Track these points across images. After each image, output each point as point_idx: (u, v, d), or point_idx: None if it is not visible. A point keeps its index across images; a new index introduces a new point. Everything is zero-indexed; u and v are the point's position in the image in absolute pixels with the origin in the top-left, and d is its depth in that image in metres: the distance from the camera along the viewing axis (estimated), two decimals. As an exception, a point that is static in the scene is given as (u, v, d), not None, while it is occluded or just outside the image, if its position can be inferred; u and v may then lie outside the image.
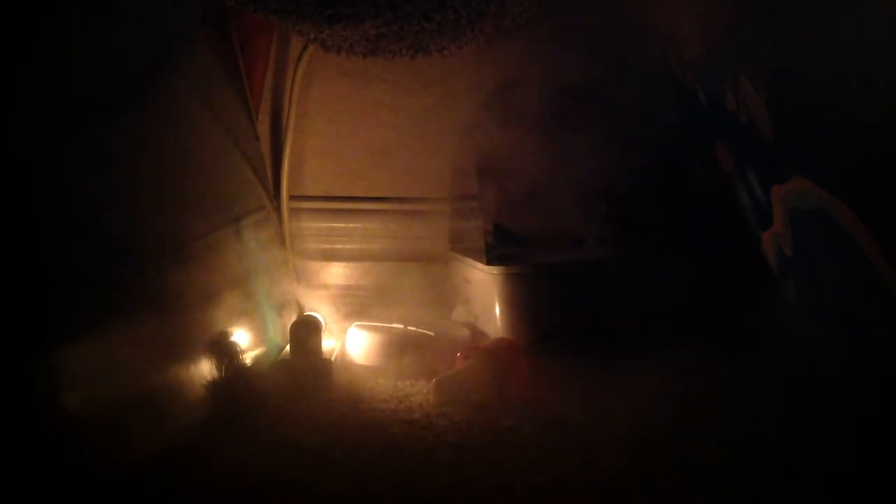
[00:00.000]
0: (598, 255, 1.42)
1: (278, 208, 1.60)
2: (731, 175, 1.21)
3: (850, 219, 0.86)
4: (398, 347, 1.41)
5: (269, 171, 1.59)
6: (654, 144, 1.41)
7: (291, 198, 1.62)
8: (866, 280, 0.87)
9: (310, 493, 0.89)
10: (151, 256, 1.05)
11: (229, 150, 1.40)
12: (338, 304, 1.60)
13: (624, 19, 1.35)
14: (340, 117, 1.63)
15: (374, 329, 1.44)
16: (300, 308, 1.57)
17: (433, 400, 1.21)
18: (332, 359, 1.35)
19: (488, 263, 1.43)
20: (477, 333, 1.47)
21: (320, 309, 1.55)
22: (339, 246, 1.66)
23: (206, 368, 1.16)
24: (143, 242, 1.04)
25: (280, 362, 1.35)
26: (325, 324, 1.45)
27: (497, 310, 1.43)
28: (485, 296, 1.47)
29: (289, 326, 1.37)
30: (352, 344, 1.44)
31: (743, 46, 1.07)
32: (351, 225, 1.67)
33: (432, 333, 1.44)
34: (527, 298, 1.40)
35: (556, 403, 1.18)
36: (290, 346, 1.35)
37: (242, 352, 1.24)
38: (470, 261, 1.53)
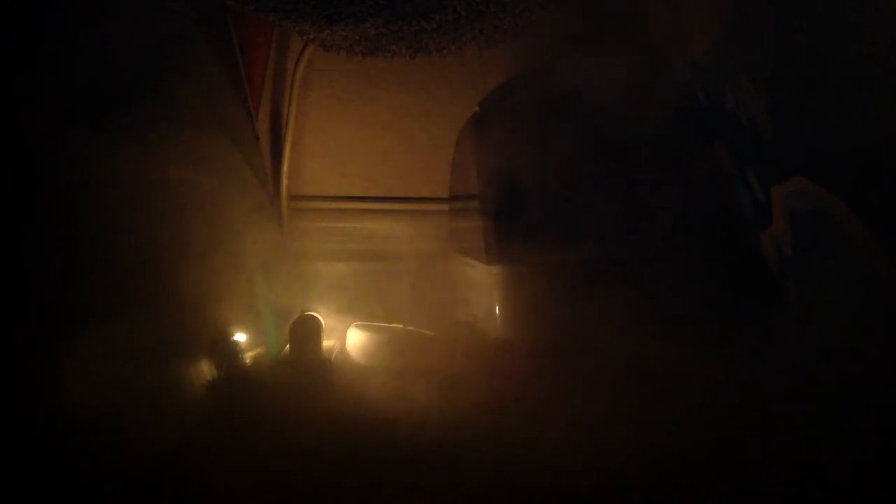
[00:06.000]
0: (598, 255, 1.42)
1: (278, 208, 1.60)
2: (731, 175, 1.21)
3: (850, 219, 0.87)
4: (398, 347, 1.41)
5: (269, 172, 1.59)
6: (654, 144, 1.41)
7: (291, 198, 1.62)
8: (866, 280, 0.87)
9: (309, 493, 0.89)
10: (151, 256, 1.05)
11: (229, 150, 1.40)
12: (338, 303, 1.59)
13: (624, 19, 1.35)
14: (340, 117, 1.62)
15: (374, 329, 1.44)
16: (300, 308, 1.57)
17: (433, 400, 1.21)
18: (332, 359, 1.35)
19: (488, 263, 1.43)
20: (477, 333, 1.47)
21: (320, 309, 1.54)
22: (339, 246, 1.66)
23: (206, 368, 1.15)
24: (143, 243, 1.04)
25: (280, 362, 1.35)
26: (325, 324, 1.45)
27: (497, 310, 1.43)
28: (485, 296, 1.47)
29: (289, 326, 1.37)
30: (352, 344, 1.44)
31: (743, 47, 1.07)
32: (351, 225, 1.66)
33: (432, 333, 1.43)
34: (527, 298, 1.40)
35: (556, 403, 1.18)
36: (290, 346, 1.35)
37: (242, 352, 1.24)
38: (470, 261, 1.52)
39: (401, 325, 1.46)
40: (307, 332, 1.34)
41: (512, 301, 1.41)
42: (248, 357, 1.27)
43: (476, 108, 1.56)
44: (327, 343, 1.42)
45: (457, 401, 1.19)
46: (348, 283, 1.64)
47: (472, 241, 1.53)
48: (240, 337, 1.26)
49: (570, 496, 0.89)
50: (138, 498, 0.85)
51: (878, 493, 0.85)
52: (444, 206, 1.67)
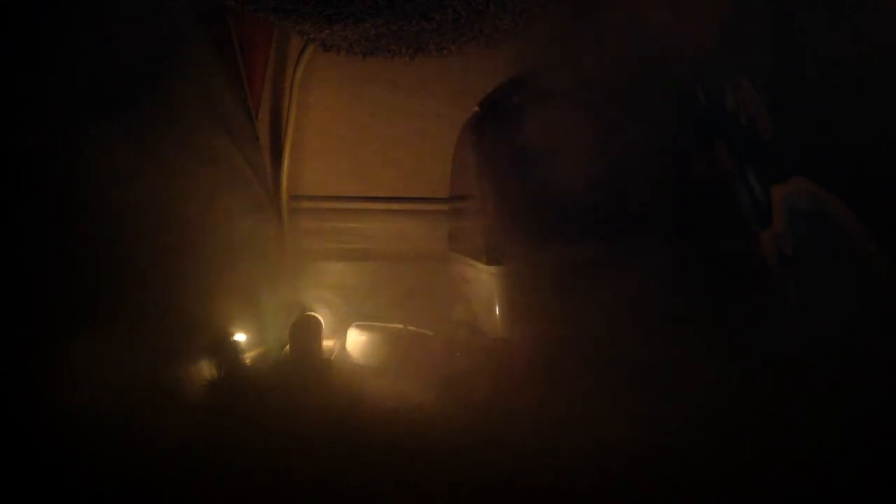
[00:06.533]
0: (598, 255, 1.42)
1: (278, 208, 1.60)
2: (731, 175, 1.21)
3: (850, 219, 0.87)
4: (398, 347, 1.41)
5: (269, 171, 1.59)
6: (654, 144, 1.41)
7: (291, 198, 1.62)
8: (866, 280, 0.87)
9: (309, 492, 0.89)
10: (151, 256, 1.05)
11: (229, 150, 1.40)
12: (338, 303, 1.60)
13: (625, 19, 1.35)
14: (340, 117, 1.63)
15: (374, 329, 1.44)
16: (300, 308, 1.57)
17: (433, 400, 1.21)
18: (332, 359, 1.35)
19: (488, 263, 1.43)
20: (477, 333, 1.47)
21: (320, 309, 1.55)
22: (339, 246, 1.66)
23: (206, 368, 1.15)
24: (143, 242, 1.04)
25: (280, 362, 1.35)
26: (325, 324, 1.45)
27: (497, 310, 1.43)
28: (485, 296, 1.47)
29: (289, 326, 1.37)
30: (352, 344, 1.44)
31: (743, 47, 1.07)
32: (351, 225, 1.67)
33: (432, 333, 1.43)
34: (527, 298, 1.40)
35: (556, 403, 1.18)
36: (290, 346, 1.35)
37: (242, 352, 1.24)
38: (470, 261, 1.52)
39: (401, 325, 1.46)
40: (307, 332, 1.34)
41: (512, 301, 1.41)
42: (248, 357, 1.27)
43: (476, 108, 1.56)
44: (327, 343, 1.42)
45: (457, 401, 1.19)
46: (348, 283, 1.64)
47: (472, 241, 1.52)
48: (240, 337, 1.26)
49: (570, 496, 0.89)
50: (138, 498, 0.85)
51: (878, 493, 0.85)
52: (444, 206, 1.67)
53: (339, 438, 1.05)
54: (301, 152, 1.62)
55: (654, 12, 1.26)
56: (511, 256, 1.42)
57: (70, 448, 0.83)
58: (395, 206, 1.67)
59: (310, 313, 1.49)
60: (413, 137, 1.63)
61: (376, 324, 1.46)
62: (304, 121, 1.61)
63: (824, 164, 0.92)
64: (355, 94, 1.61)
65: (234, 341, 1.23)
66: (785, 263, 1.09)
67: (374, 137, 1.64)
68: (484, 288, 1.46)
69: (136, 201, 1.04)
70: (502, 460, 0.98)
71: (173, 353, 1.10)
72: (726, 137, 1.20)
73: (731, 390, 1.12)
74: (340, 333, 1.49)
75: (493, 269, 1.41)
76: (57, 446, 0.82)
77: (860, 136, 0.83)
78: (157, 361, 1.05)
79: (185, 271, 1.13)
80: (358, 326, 1.46)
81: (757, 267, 1.17)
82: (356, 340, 1.44)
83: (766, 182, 1.08)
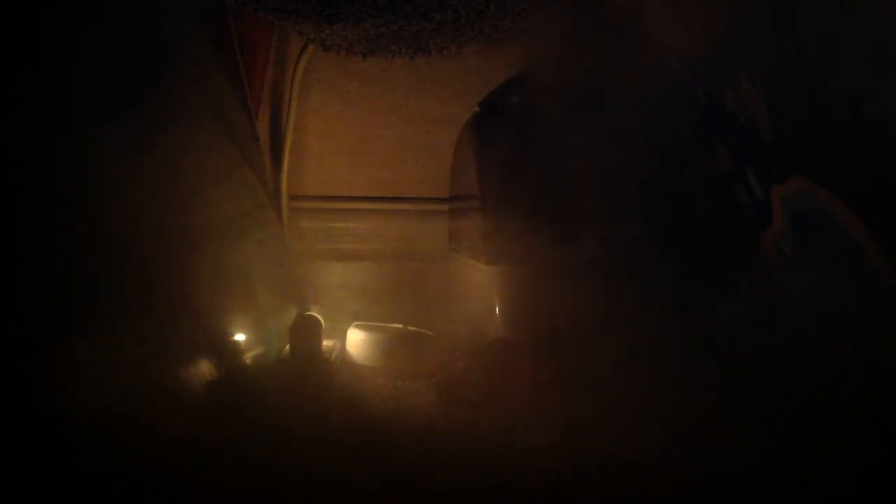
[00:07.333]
0: (598, 255, 1.42)
1: (278, 208, 1.60)
2: (731, 175, 1.21)
3: (851, 219, 0.87)
4: (398, 347, 1.41)
5: (269, 172, 1.59)
6: (654, 144, 1.41)
7: (291, 198, 1.62)
8: (866, 280, 0.87)
9: (309, 493, 0.89)
10: (151, 256, 1.05)
11: (229, 150, 1.40)
12: (338, 304, 1.60)
13: (624, 19, 1.35)
14: (340, 117, 1.63)
15: (374, 329, 1.44)
16: (300, 308, 1.57)
17: (433, 400, 1.21)
18: (332, 359, 1.35)
19: (488, 263, 1.43)
20: (477, 333, 1.47)
21: (320, 309, 1.54)
22: (339, 246, 1.66)
23: (206, 368, 1.15)
24: (143, 242, 1.04)
25: (280, 362, 1.35)
26: (325, 324, 1.45)
27: (497, 310, 1.43)
28: (485, 296, 1.47)
29: (289, 326, 1.37)
30: (352, 344, 1.44)
31: (743, 47, 1.07)
32: (351, 225, 1.67)
33: (432, 333, 1.43)
34: (527, 298, 1.40)
35: (556, 403, 1.18)
36: (290, 346, 1.35)
37: (242, 352, 1.24)
38: (470, 261, 1.52)
39: (401, 325, 1.46)
40: (307, 332, 1.34)
41: (512, 301, 1.41)
42: (248, 357, 1.27)
43: (476, 108, 1.56)
44: (327, 343, 1.42)
45: (457, 401, 1.19)
46: (348, 283, 1.64)
47: (472, 241, 1.53)
48: (240, 337, 1.26)
49: (570, 496, 0.89)
50: (138, 498, 0.85)
51: (879, 492, 0.85)
52: (444, 206, 1.67)
53: (340, 438, 1.05)
54: (301, 152, 1.62)
55: (654, 12, 1.26)
56: (511, 256, 1.42)
57: (70, 448, 0.83)
58: (395, 206, 1.67)
59: (310, 313, 1.49)
60: (413, 137, 1.63)
61: (376, 324, 1.46)
62: (303, 121, 1.61)
63: (824, 164, 0.92)
64: (355, 94, 1.61)
65: (234, 341, 1.22)
66: (785, 263, 1.09)
67: (374, 137, 1.64)
68: (484, 288, 1.46)
69: (136, 201, 1.04)
70: (502, 460, 0.98)
71: (173, 353, 1.10)
72: (726, 137, 1.20)
73: (731, 390, 1.12)
74: (340, 333, 1.49)
75: (493, 269, 1.41)
76: (57, 446, 0.81)
77: (860, 135, 0.83)
78: (157, 361, 1.05)
79: (186, 271, 1.13)
80: (358, 326, 1.46)
81: (756, 267, 1.17)
82: (356, 340, 1.44)
83: (766, 182, 1.08)
